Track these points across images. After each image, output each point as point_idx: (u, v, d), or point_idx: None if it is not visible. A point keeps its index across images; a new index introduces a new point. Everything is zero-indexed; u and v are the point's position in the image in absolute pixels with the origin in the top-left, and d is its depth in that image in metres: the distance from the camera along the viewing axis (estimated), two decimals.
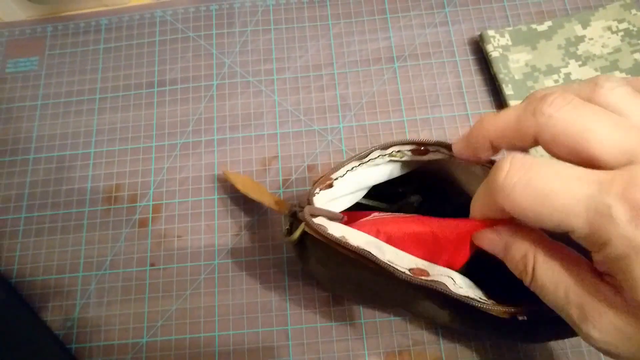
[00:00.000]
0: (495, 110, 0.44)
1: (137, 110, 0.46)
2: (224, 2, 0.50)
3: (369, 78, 0.46)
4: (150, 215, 0.42)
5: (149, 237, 0.42)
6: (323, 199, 0.29)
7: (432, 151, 0.29)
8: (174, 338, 0.39)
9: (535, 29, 0.45)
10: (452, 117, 0.44)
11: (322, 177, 0.29)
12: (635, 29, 0.44)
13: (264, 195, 0.37)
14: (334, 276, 0.31)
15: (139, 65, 0.48)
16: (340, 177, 0.29)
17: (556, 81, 0.44)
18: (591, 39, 0.45)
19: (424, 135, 0.43)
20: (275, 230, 0.41)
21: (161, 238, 0.41)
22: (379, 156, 0.29)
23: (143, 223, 0.42)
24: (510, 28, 0.46)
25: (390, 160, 0.30)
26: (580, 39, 0.45)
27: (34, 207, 0.43)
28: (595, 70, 0.44)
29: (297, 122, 0.45)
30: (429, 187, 0.35)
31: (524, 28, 0.46)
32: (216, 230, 0.41)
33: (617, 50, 0.44)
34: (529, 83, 0.44)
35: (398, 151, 0.29)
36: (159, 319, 0.39)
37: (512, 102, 0.43)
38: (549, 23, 0.46)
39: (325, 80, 0.46)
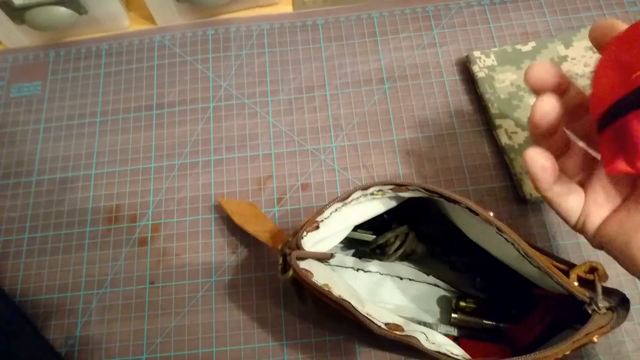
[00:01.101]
0: (482, 128, 0.45)
1: (136, 132, 0.47)
2: (220, 26, 0.51)
3: (360, 99, 0.47)
4: (149, 235, 0.44)
5: (148, 256, 0.43)
6: (311, 241, 0.30)
7: (411, 189, 0.30)
8: (172, 354, 0.40)
9: (520, 50, 0.47)
10: (440, 135, 0.45)
11: (308, 220, 0.30)
12: None
13: (259, 222, 0.38)
14: (329, 314, 0.32)
15: (138, 88, 0.49)
16: (326, 218, 0.31)
17: None
18: (573, 58, 0.46)
19: (414, 155, 0.45)
20: (271, 248, 0.42)
21: (160, 256, 0.43)
22: (360, 196, 0.31)
23: (142, 242, 0.43)
24: (496, 49, 0.47)
25: (374, 198, 0.32)
26: (563, 58, 0.47)
27: (37, 228, 0.44)
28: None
29: (291, 142, 0.46)
30: (414, 213, 0.36)
31: (509, 49, 0.47)
32: (213, 248, 0.43)
33: None
34: (514, 102, 0.45)
35: (379, 190, 0.31)
36: (158, 336, 0.40)
37: (498, 121, 0.44)
38: (533, 44, 0.47)
39: (318, 102, 0.48)
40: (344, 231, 0.34)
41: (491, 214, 0.28)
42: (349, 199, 0.31)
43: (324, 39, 0.50)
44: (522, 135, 0.44)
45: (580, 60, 0.46)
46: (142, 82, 0.50)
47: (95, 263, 0.43)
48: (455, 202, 0.28)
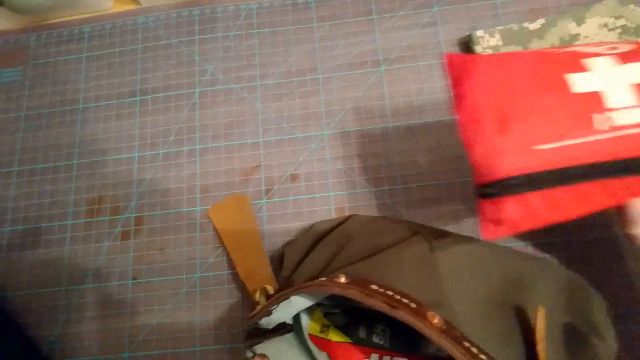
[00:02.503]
0: None
1: (119, 120, 0.45)
2: (206, 6, 0.48)
3: (353, 82, 0.44)
4: (132, 228, 0.42)
5: (131, 250, 0.41)
6: (265, 322, 0.31)
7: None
8: (155, 353, 0.38)
9: (527, 28, 0.43)
10: (439, 122, 0.42)
11: (256, 313, 0.31)
12: (633, 25, 0.42)
13: (246, 240, 0.39)
14: None
15: (121, 74, 0.47)
16: (274, 308, 0.31)
17: None
18: (586, 37, 0.43)
19: (410, 143, 0.42)
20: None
21: (143, 251, 0.41)
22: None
23: (125, 236, 0.42)
24: (501, 27, 0.44)
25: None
26: (575, 37, 0.43)
27: (18, 221, 0.43)
28: None
29: (280, 129, 0.44)
30: None
31: (515, 27, 0.44)
32: (198, 242, 0.41)
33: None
34: None
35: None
36: (140, 333, 0.39)
37: None
38: (541, 21, 0.43)
39: (309, 86, 0.45)
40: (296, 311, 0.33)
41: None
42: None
43: (317, 19, 0.47)
44: None
45: (594, 39, 0.42)
46: (125, 67, 0.47)
47: (76, 257, 0.41)
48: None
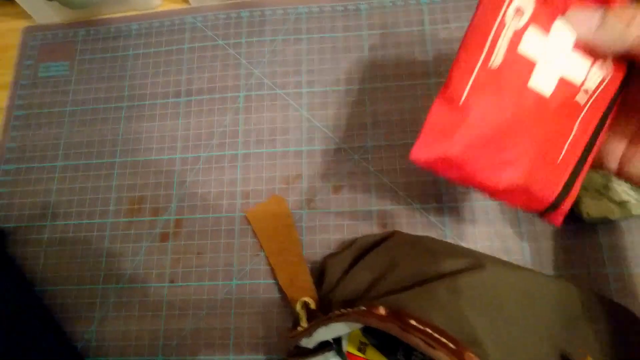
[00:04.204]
0: None
1: (162, 120, 0.45)
2: (255, 8, 0.48)
3: (402, 94, 0.43)
4: (171, 230, 0.42)
5: (168, 253, 0.41)
6: (305, 343, 0.31)
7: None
8: (188, 358, 0.38)
9: None
10: None
11: (297, 334, 0.31)
12: None
13: (286, 242, 0.38)
14: None
15: (167, 73, 0.47)
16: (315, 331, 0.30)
17: None
18: None
19: None
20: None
21: (181, 254, 0.41)
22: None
23: (164, 237, 0.41)
24: None
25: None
26: None
27: (58, 216, 0.43)
28: None
29: (324, 139, 0.43)
30: None
31: None
32: (235, 249, 0.40)
33: None
34: None
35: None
36: (174, 337, 0.39)
37: None
38: None
39: (356, 95, 0.44)
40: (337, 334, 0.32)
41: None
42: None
43: (367, 27, 0.46)
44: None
45: None
46: (170, 67, 0.47)
47: (115, 256, 0.41)
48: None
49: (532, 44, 0.24)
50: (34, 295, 0.41)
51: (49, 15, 0.50)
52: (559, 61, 0.24)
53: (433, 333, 0.27)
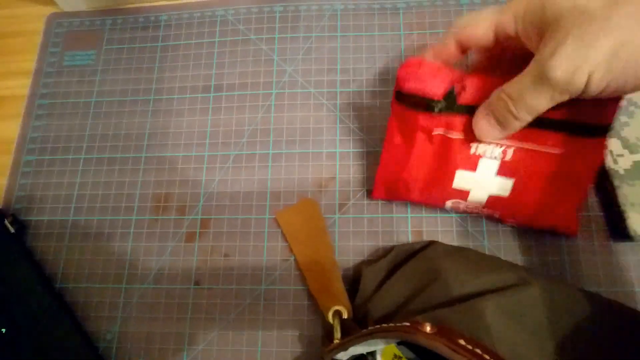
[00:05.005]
0: None
1: (191, 116, 0.44)
2: (289, 3, 0.46)
3: None
4: (198, 230, 0.40)
5: (195, 254, 0.40)
6: (340, 357, 0.30)
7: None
8: None
9: None
10: None
11: (333, 348, 0.30)
12: None
13: (316, 244, 0.37)
14: None
15: (196, 67, 0.45)
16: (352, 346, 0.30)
17: None
18: None
19: None
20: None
21: (207, 255, 0.40)
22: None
23: (190, 237, 0.40)
24: None
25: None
26: None
27: (82, 210, 0.42)
28: None
29: (359, 141, 0.41)
30: None
31: None
32: (265, 252, 0.39)
33: None
34: (623, 118, 0.38)
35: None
36: (200, 342, 0.37)
37: None
38: None
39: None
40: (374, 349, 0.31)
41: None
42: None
43: (404, 26, 0.44)
44: (629, 159, 0.37)
45: None
46: (200, 60, 0.45)
47: (139, 255, 0.40)
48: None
49: (464, 180, 0.34)
50: (54, 292, 0.39)
51: (75, 2, 0.49)
52: (487, 186, 0.34)
53: (483, 354, 0.25)
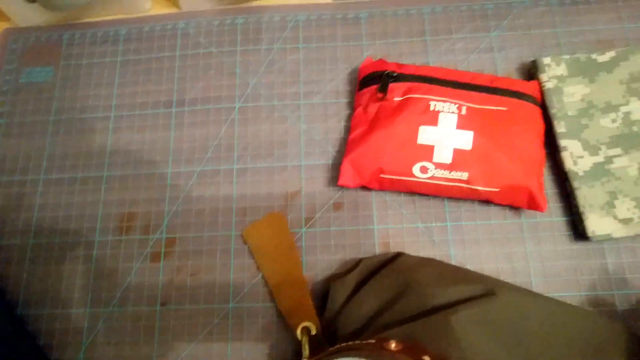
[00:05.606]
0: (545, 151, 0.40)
1: (153, 132, 0.43)
2: (251, 15, 0.46)
3: None
4: (163, 249, 0.40)
5: (160, 273, 0.39)
6: None
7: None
8: None
9: (595, 60, 0.41)
10: None
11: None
12: None
13: (284, 262, 0.37)
14: None
15: (157, 81, 0.44)
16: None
17: (614, 120, 0.39)
18: None
19: None
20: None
21: (174, 275, 0.39)
22: None
23: (155, 257, 0.39)
24: (568, 57, 0.41)
25: None
26: None
27: (42, 233, 0.41)
28: None
29: (324, 153, 0.41)
30: None
31: (582, 58, 0.41)
32: (232, 270, 0.39)
33: None
34: (584, 120, 0.39)
35: None
36: None
37: (563, 142, 0.39)
38: (611, 53, 0.41)
39: None
40: None
41: None
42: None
43: (367, 36, 0.44)
44: (588, 161, 0.38)
45: None
46: (161, 75, 0.45)
47: (102, 278, 0.39)
48: None
49: (428, 135, 0.37)
50: (15, 319, 0.38)
51: (30, 17, 0.47)
52: (450, 139, 0.37)
53: None
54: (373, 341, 0.28)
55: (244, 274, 0.38)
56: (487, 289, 0.32)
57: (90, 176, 0.42)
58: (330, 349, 0.29)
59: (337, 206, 0.40)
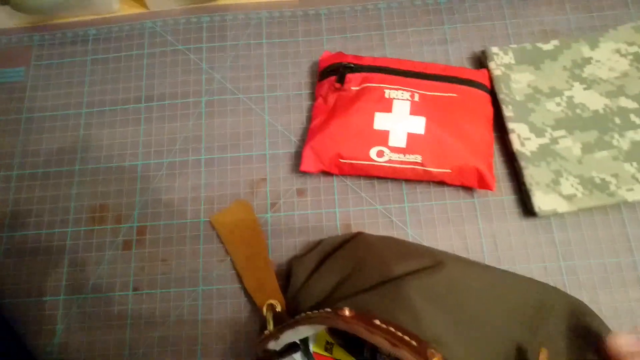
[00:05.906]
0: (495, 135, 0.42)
1: (123, 127, 0.45)
2: (215, 13, 0.48)
3: None
4: (135, 238, 0.41)
5: (132, 261, 0.41)
6: (273, 346, 0.32)
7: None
8: None
9: (541, 48, 0.43)
10: None
11: (264, 339, 0.31)
12: None
13: (250, 244, 0.39)
14: None
15: (126, 79, 0.46)
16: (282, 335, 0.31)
17: (558, 104, 0.42)
18: (598, 61, 0.43)
19: None
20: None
21: (145, 262, 0.40)
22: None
23: (127, 245, 0.41)
24: (515, 46, 0.44)
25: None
26: (587, 60, 0.43)
27: (16, 226, 0.42)
28: (600, 94, 0.42)
29: (287, 142, 0.43)
30: None
31: (528, 47, 0.44)
32: (201, 255, 0.40)
33: (625, 75, 0.42)
34: (530, 105, 0.42)
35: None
36: (140, 346, 0.38)
37: (511, 125, 0.41)
38: (555, 42, 0.43)
39: None
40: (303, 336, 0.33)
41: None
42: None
43: (327, 31, 0.47)
44: (535, 142, 0.41)
45: (606, 64, 0.43)
46: (130, 72, 0.46)
47: (76, 266, 0.41)
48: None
49: (383, 121, 0.39)
50: None
51: (2, 20, 0.48)
52: (397, 124, 0.39)
53: (396, 332, 0.28)
54: (329, 310, 0.30)
55: (213, 258, 0.40)
56: (437, 261, 0.34)
57: (63, 171, 0.43)
58: (289, 320, 0.31)
59: (301, 192, 0.42)
